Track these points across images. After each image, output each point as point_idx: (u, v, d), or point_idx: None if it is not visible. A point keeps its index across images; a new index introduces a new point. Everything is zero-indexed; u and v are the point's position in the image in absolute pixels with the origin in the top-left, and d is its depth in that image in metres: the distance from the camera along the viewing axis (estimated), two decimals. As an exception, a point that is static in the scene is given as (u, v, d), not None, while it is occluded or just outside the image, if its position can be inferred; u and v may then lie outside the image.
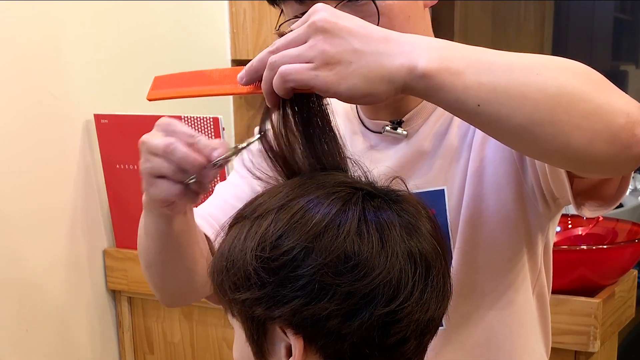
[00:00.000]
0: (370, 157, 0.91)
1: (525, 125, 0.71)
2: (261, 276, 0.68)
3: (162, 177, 0.81)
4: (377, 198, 0.71)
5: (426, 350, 0.74)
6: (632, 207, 2.90)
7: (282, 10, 0.94)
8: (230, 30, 2.22)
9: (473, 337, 1.00)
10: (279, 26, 0.92)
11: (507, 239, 0.96)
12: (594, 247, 1.58)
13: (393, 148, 1.00)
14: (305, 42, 0.71)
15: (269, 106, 0.76)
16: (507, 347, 1.01)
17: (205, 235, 1.01)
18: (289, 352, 0.70)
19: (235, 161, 1.09)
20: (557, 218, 1.03)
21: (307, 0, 0.89)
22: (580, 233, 1.74)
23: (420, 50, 0.71)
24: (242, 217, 0.74)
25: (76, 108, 1.79)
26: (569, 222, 1.80)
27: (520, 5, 3.53)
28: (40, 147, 1.71)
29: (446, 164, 0.97)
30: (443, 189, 0.97)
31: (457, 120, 0.98)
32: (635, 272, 1.71)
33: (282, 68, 0.71)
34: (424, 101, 0.99)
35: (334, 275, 0.67)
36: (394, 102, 0.98)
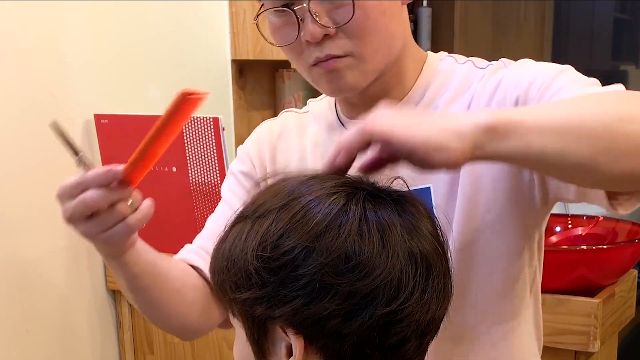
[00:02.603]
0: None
1: (588, 157, 0.72)
2: (262, 276, 0.68)
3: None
4: (378, 198, 0.71)
5: (426, 350, 0.74)
6: (632, 207, 2.90)
7: (262, 5, 0.95)
8: (230, 30, 2.23)
9: (468, 332, 0.99)
10: (257, 16, 0.94)
11: (502, 234, 0.96)
12: (594, 247, 1.58)
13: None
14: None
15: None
16: (501, 342, 1.00)
17: (195, 267, 1.02)
18: (290, 352, 0.70)
19: (223, 187, 1.10)
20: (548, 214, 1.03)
21: None
22: (580, 233, 1.74)
23: (475, 114, 0.73)
24: (243, 217, 0.74)
25: (76, 108, 1.79)
26: (569, 222, 1.80)
27: (520, 5, 3.53)
28: (40, 147, 1.71)
29: None
30: (429, 187, 0.97)
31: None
32: (635, 272, 1.71)
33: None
34: (405, 98, 0.99)
35: (335, 275, 0.67)
36: (373, 101, 0.98)
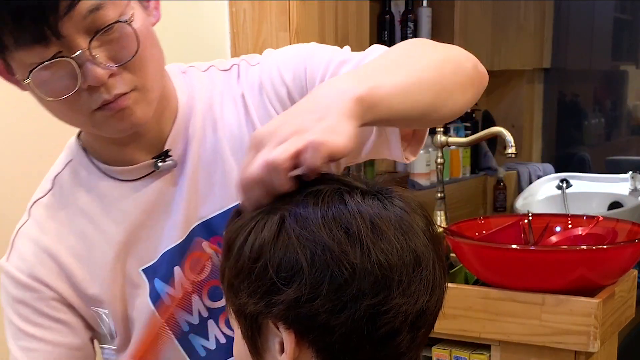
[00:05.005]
0: (139, 205, 0.95)
1: (431, 102, 0.85)
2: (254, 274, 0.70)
3: None
4: (369, 195, 0.72)
5: (423, 344, 0.75)
6: (632, 207, 2.90)
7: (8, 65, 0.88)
8: (230, 30, 2.22)
9: None
10: (30, 72, 0.86)
11: None
12: (594, 247, 1.58)
13: (161, 181, 0.98)
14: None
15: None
16: None
17: None
18: (283, 348, 0.71)
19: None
20: None
21: (53, 44, 0.83)
22: (580, 233, 1.74)
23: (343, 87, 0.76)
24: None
25: (76, 108, 1.79)
26: (569, 222, 1.80)
27: (520, 5, 3.53)
28: (40, 147, 1.71)
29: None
30: None
31: (219, 130, 0.99)
32: (635, 272, 1.72)
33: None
34: (177, 120, 0.98)
35: None
36: (146, 134, 0.96)
